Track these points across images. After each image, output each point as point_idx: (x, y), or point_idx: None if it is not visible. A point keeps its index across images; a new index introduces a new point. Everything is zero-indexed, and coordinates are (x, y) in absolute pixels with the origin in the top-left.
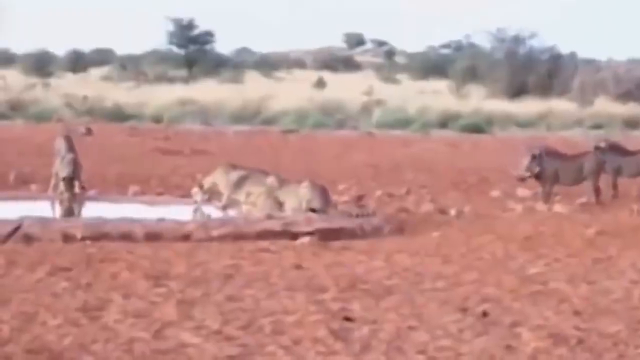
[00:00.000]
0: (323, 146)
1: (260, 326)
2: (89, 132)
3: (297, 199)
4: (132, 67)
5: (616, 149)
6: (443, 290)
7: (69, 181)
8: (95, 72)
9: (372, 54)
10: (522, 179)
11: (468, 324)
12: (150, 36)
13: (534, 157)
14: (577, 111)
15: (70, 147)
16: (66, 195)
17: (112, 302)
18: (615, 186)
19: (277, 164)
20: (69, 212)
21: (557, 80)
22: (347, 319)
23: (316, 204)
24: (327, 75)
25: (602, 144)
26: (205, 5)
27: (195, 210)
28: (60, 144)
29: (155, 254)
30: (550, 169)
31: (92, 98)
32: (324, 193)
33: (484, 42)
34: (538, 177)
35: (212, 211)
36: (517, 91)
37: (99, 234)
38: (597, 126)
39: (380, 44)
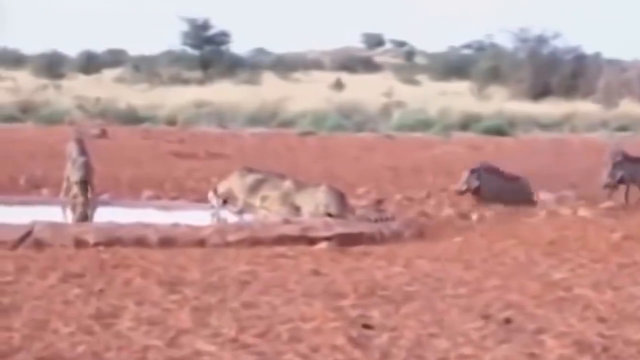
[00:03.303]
0: (341, 149)
1: (277, 333)
2: (103, 134)
3: (314, 203)
4: (145, 68)
5: (627, 157)
6: (465, 297)
7: (83, 185)
8: (108, 73)
9: (392, 54)
10: (461, 193)
11: (490, 331)
12: (164, 36)
13: (472, 172)
14: (602, 113)
15: (82, 150)
16: (81, 199)
17: (125, 309)
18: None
19: (295, 167)
20: (83, 217)
21: (582, 81)
22: (366, 326)
23: (333, 209)
24: (345, 76)
25: (619, 158)
26: (221, 5)
27: (213, 215)
28: (71, 148)
29: (170, 259)
30: (488, 187)
31: (105, 100)
32: (341, 197)
33: (506, 42)
34: (475, 192)
35: (228, 216)
36: (541, 92)
37: (112, 239)
38: (623, 128)
39: (400, 44)
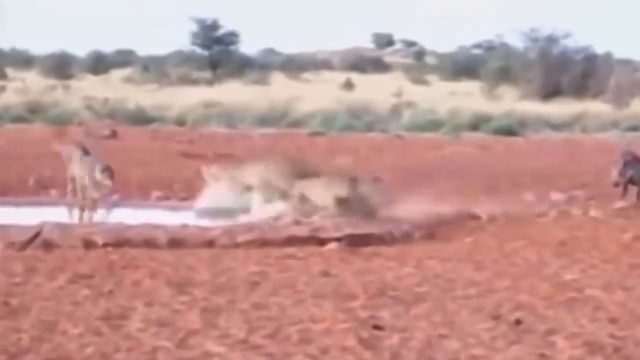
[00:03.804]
0: (351, 149)
1: (287, 335)
2: (113, 134)
3: (323, 192)
4: (154, 68)
5: (636, 158)
6: (475, 298)
7: (109, 171)
8: (116, 74)
9: (402, 54)
10: None
11: (501, 332)
12: (173, 37)
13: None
14: (613, 113)
15: (87, 154)
16: (108, 183)
17: (134, 310)
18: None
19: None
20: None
21: (592, 81)
22: (377, 327)
23: (342, 193)
24: (355, 76)
25: (629, 157)
26: (230, 5)
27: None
28: (71, 151)
29: (179, 260)
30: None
31: (114, 100)
32: (351, 181)
33: (517, 42)
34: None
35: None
36: (551, 92)
37: (121, 240)
38: (634, 128)
39: (410, 44)
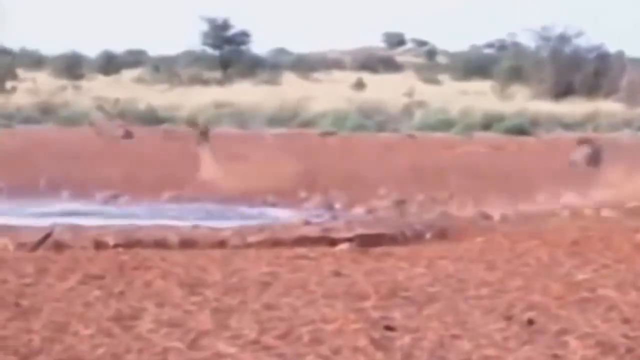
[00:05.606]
0: (363, 149)
1: (298, 335)
2: (127, 135)
3: None
4: (165, 68)
5: None
6: (487, 298)
7: None
8: (127, 74)
9: (413, 54)
10: None
11: (513, 333)
12: (183, 36)
13: None
14: (625, 112)
15: None
16: None
17: (145, 311)
18: None
19: (316, 168)
20: None
21: (605, 80)
22: (388, 327)
23: None
24: (366, 76)
25: None
26: (241, 5)
27: None
28: None
29: (190, 261)
30: None
31: (125, 100)
32: None
33: (529, 41)
34: None
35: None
36: (563, 91)
37: (132, 240)
38: None
39: (421, 43)
